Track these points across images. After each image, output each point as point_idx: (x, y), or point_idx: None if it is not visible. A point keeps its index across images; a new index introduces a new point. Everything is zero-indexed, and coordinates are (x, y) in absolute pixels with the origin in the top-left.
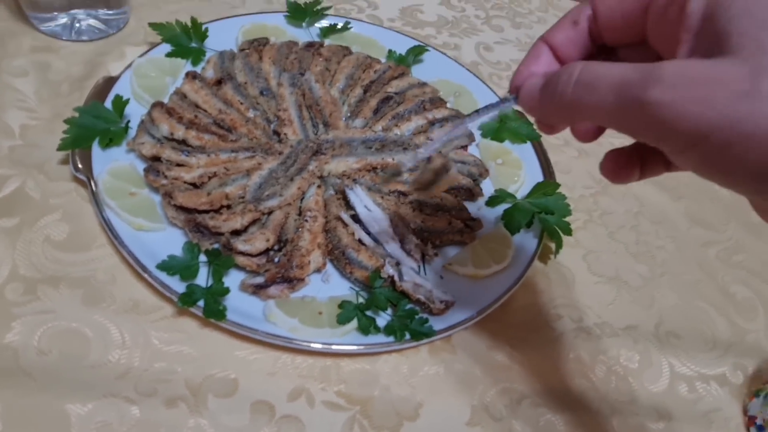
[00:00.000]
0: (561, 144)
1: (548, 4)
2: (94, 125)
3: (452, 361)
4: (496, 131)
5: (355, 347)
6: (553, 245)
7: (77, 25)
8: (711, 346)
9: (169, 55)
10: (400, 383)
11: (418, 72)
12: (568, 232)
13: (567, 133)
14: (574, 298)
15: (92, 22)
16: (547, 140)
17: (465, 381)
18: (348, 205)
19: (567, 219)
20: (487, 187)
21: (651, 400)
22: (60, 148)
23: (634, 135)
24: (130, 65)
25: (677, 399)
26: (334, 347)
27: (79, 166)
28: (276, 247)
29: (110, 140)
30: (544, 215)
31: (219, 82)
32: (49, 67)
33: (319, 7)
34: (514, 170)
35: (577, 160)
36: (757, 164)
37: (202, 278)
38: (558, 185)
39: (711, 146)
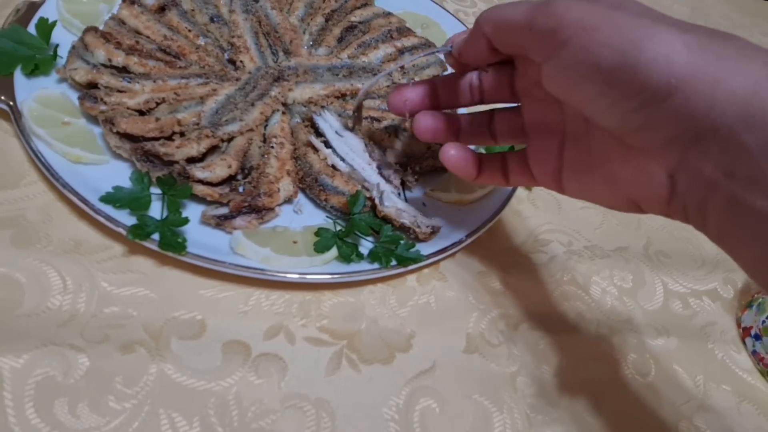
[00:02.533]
0: None
1: None
2: (14, 50)
3: (443, 289)
4: None
5: (337, 276)
6: None
7: None
8: (700, 264)
9: None
10: (389, 315)
11: (380, 4)
12: None
13: None
14: (562, 224)
15: None
16: None
17: (458, 309)
18: (317, 133)
19: None
20: None
21: (648, 318)
22: None
23: (531, 37)
24: None
25: (673, 316)
26: (313, 277)
27: (0, 95)
28: (240, 177)
29: (36, 67)
30: None
31: (162, 9)
32: None
33: None
34: None
35: None
36: (601, 61)
37: (156, 212)
38: None
39: (577, 42)
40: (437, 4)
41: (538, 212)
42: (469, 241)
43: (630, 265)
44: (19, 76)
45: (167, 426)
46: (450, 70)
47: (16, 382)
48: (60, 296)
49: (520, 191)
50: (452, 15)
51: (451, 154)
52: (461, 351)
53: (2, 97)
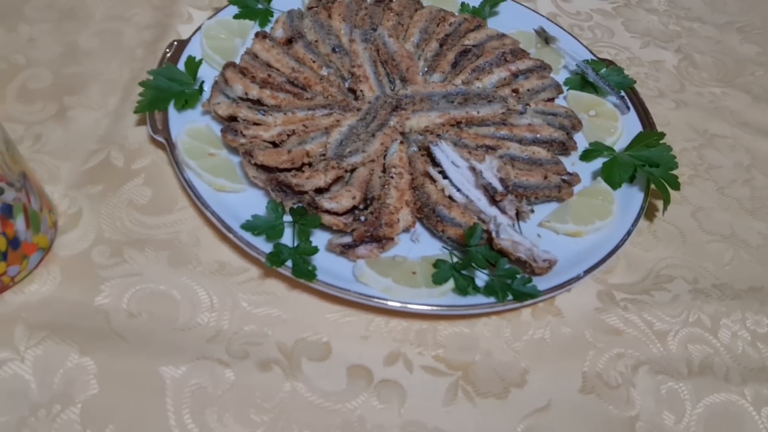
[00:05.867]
0: (655, 95)
1: None
2: (169, 87)
3: (558, 325)
4: (582, 82)
5: (454, 309)
6: (656, 201)
7: None
8: None
9: (237, 16)
10: (503, 348)
11: (494, 24)
12: (676, 186)
13: (661, 83)
14: (686, 258)
15: None
16: (640, 91)
17: (573, 346)
18: (434, 162)
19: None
20: (581, 143)
21: None
22: (137, 111)
23: None
24: (199, 28)
25: None
26: (431, 308)
27: (159, 127)
28: (362, 206)
29: (185, 102)
30: (647, 168)
31: (289, 42)
32: (121, 34)
33: None
34: (609, 122)
35: (675, 112)
36: None
37: (287, 239)
38: (662, 135)
39: None
40: (550, 20)
41: (659, 245)
42: (586, 277)
43: (766, 308)
44: (171, 111)
45: None
46: (566, 92)
47: (175, 390)
48: (208, 313)
49: (641, 222)
50: (568, 32)
51: None
52: (578, 391)
53: (161, 128)
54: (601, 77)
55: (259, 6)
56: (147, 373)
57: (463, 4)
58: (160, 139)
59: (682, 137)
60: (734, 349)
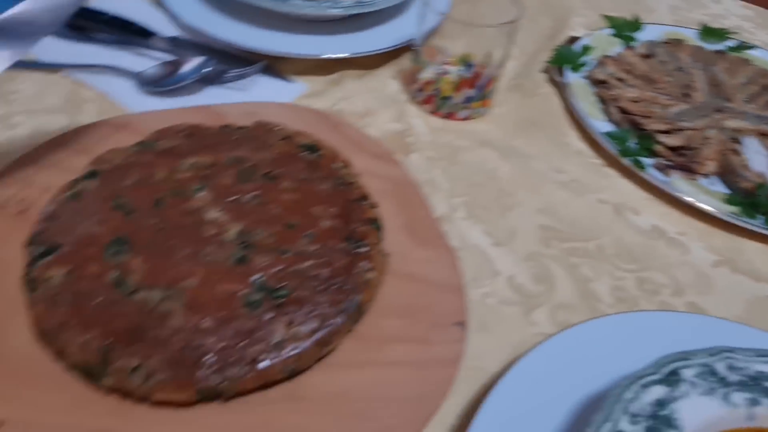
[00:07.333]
0: None
1: None
2: (569, 54)
3: None
4: None
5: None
6: None
7: None
8: None
9: (613, 35)
10: None
11: None
12: None
13: None
14: None
15: None
16: None
17: None
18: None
19: None
20: None
21: None
22: (550, 62)
23: None
24: (586, 36)
25: None
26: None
27: (557, 75)
28: (684, 152)
29: (577, 66)
30: None
31: (646, 56)
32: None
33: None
34: None
35: None
36: None
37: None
38: None
39: None
40: None
41: None
42: None
43: None
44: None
45: None
46: None
47: None
48: None
49: None
50: None
51: None
52: None
53: (558, 76)
54: None
55: (628, 33)
56: None
57: None
58: (559, 79)
59: None
60: None
